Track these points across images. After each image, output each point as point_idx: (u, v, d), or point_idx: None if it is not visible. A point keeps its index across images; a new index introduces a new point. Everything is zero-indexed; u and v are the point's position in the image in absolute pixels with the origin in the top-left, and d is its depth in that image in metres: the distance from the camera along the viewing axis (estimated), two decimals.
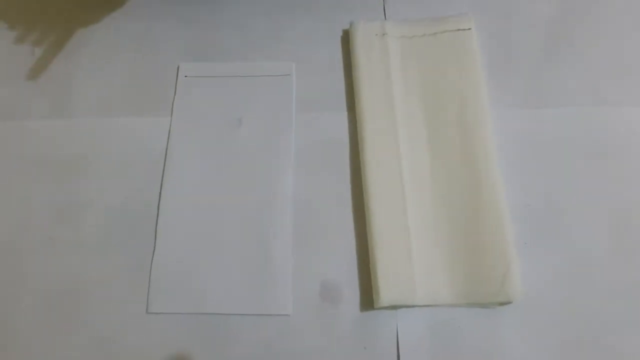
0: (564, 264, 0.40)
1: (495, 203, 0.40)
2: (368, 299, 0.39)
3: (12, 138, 0.45)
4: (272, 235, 0.41)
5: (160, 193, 0.43)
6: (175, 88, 0.47)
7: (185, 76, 0.47)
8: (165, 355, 0.38)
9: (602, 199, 0.41)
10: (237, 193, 0.42)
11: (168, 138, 0.45)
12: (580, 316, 0.38)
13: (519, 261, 0.39)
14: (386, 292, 0.37)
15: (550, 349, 0.37)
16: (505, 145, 0.43)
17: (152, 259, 0.40)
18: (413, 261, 0.39)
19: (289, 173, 0.43)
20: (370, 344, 0.38)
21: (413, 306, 0.38)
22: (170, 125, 0.45)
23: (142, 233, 0.41)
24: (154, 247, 0.41)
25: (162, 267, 0.40)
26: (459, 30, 0.46)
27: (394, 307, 0.38)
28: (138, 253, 0.41)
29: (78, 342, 0.39)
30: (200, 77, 0.47)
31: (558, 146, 0.43)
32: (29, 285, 0.40)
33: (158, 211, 0.42)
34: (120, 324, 0.39)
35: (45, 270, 0.41)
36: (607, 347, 0.37)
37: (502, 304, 0.38)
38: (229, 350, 0.38)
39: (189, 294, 0.39)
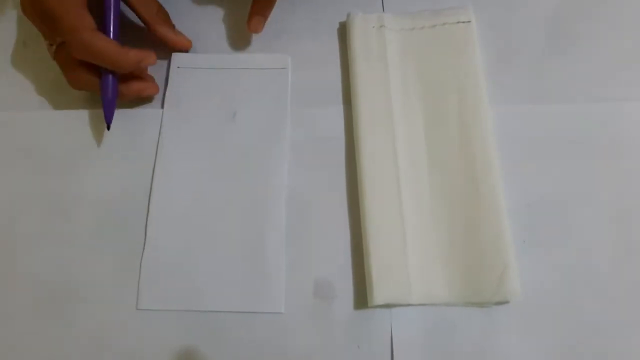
0: (564, 263, 0.39)
1: (494, 201, 0.39)
2: (362, 297, 0.38)
3: (1, 130, 0.45)
4: (265, 231, 0.40)
5: (151, 187, 0.42)
6: (167, 79, 0.46)
7: (178, 67, 0.45)
8: (155, 352, 0.37)
9: (605, 197, 0.40)
10: (230, 187, 0.41)
11: (160, 130, 0.44)
12: (578, 317, 0.37)
13: (517, 260, 0.38)
14: (380, 291, 0.37)
15: (547, 350, 0.37)
16: (505, 141, 0.42)
17: (142, 254, 0.40)
18: (408, 259, 0.38)
19: (283, 168, 0.42)
20: (363, 342, 0.37)
21: (408, 305, 0.38)
22: (162, 117, 0.44)
23: (133, 227, 0.41)
24: (144, 242, 0.40)
25: (153, 263, 0.39)
26: (458, 23, 0.45)
27: (389, 306, 0.38)
28: (129, 247, 0.40)
29: (67, 337, 0.38)
30: (194, 69, 0.46)
31: (560, 143, 0.42)
32: (17, 279, 0.40)
33: (148, 206, 0.41)
34: (109, 319, 0.38)
35: (35, 264, 0.40)
36: (606, 348, 0.37)
37: (498, 303, 0.37)
38: (220, 348, 0.37)
39: (180, 290, 0.39)
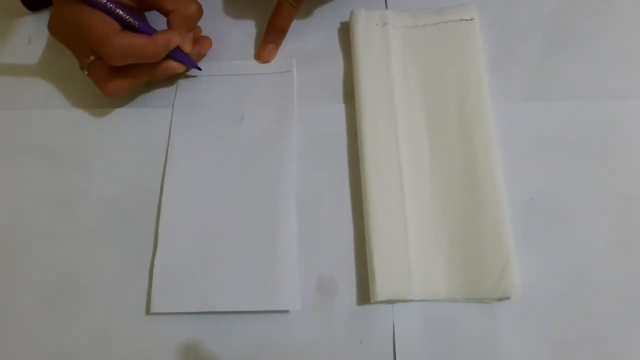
0: (565, 260, 0.39)
1: (495, 197, 0.39)
2: (365, 293, 0.38)
3: (8, 127, 0.45)
4: (278, 229, 0.40)
5: (161, 190, 0.42)
6: (176, 87, 0.46)
7: (186, 75, 0.46)
8: (166, 356, 0.38)
9: (606, 194, 0.41)
10: (240, 188, 0.42)
11: (169, 133, 0.44)
12: (579, 313, 0.38)
13: (519, 256, 0.38)
14: (382, 286, 0.37)
15: (548, 346, 0.37)
16: (507, 138, 0.42)
17: (154, 259, 0.39)
18: (410, 255, 0.38)
19: (292, 167, 0.42)
20: (366, 337, 0.38)
21: (410, 300, 0.38)
22: (171, 121, 0.44)
23: (141, 225, 0.41)
24: (155, 245, 0.40)
25: (165, 267, 0.39)
26: (461, 20, 0.46)
27: (391, 301, 0.38)
28: (136, 245, 0.40)
29: (73, 334, 0.38)
30: (201, 76, 0.46)
31: (561, 140, 0.43)
32: (22, 278, 0.40)
33: (159, 209, 0.41)
34: (117, 322, 0.38)
35: (40, 263, 0.40)
36: (606, 344, 0.37)
37: (499, 299, 0.38)
38: (223, 345, 0.38)
39: (193, 293, 0.38)
